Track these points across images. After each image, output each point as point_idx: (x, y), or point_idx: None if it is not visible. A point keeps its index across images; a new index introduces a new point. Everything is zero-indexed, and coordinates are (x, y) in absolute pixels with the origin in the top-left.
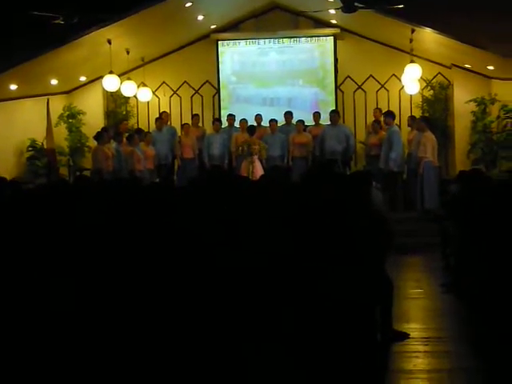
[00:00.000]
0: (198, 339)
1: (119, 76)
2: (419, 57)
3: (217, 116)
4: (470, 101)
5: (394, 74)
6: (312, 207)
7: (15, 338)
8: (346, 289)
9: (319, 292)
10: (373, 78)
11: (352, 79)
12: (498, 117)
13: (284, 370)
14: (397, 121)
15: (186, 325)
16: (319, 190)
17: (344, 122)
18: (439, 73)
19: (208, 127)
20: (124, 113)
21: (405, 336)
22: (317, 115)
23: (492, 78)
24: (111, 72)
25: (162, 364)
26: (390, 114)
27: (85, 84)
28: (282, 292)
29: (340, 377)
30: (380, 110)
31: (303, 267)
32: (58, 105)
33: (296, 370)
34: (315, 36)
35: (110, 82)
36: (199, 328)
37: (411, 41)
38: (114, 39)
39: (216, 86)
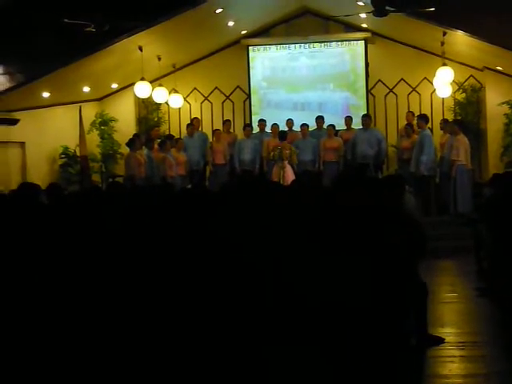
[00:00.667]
0: (217, 343)
1: (151, 83)
2: (451, 60)
3: (248, 121)
4: (503, 103)
5: (425, 78)
6: (344, 212)
7: (20, 338)
8: (379, 293)
9: (353, 296)
10: (404, 81)
11: (383, 83)
12: None
13: (314, 374)
14: (429, 124)
15: (211, 328)
16: (351, 194)
17: (375, 125)
18: (471, 75)
19: (239, 133)
20: (155, 119)
21: (440, 341)
22: (348, 119)
23: None
24: (143, 79)
25: (176, 365)
26: (423, 117)
27: (117, 91)
28: (311, 296)
29: (372, 381)
30: (413, 114)
31: (335, 272)
32: (90, 112)
33: (327, 374)
34: (346, 40)
35: (142, 89)
36: (221, 332)
37: (442, 44)
38: (145, 46)
39: (247, 92)
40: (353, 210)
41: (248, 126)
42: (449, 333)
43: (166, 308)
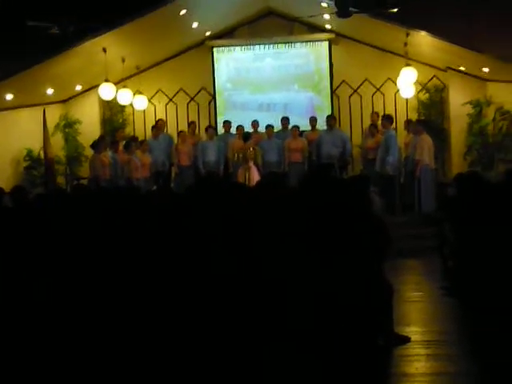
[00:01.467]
0: (201, 342)
1: (115, 84)
2: (414, 60)
3: (213, 123)
4: (466, 103)
5: (389, 78)
6: (310, 212)
7: (17, 341)
8: (346, 292)
9: (319, 296)
10: (368, 81)
11: (347, 83)
12: (494, 119)
13: (285, 373)
14: (393, 124)
15: (182, 328)
16: (316, 194)
17: (340, 126)
18: (434, 76)
19: (204, 134)
20: (120, 121)
21: (406, 340)
22: (313, 120)
23: (487, 80)
24: (107, 80)
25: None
26: (388, 118)
27: (81, 93)
28: (281, 296)
29: (341, 380)
30: (377, 114)
31: (302, 271)
32: (54, 114)
33: (297, 373)
34: (310, 41)
35: (106, 91)
36: (198, 332)
37: (406, 44)
38: (109, 48)
39: (212, 93)
40: (319, 210)
41: (210, 127)
42: (414, 331)
43: (128, 307)
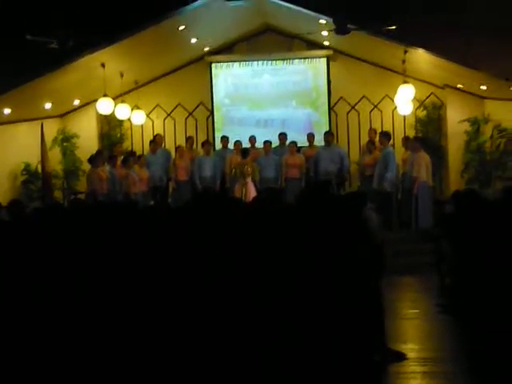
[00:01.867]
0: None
1: (113, 99)
2: (412, 77)
3: (211, 138)
4: (464, 121)
5: (387, 95)
6: (306, 228)
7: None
8: (341, 308)
9: (313, 313)
10: (366, 98)
11: (345, 100)
12: (492, 136)
13: None
14: (390, 141)
15: (177, 341)
16: (313, 210)
17: (338, 142)
18: (432, 93)
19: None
20: (118, 136)
21: (402, 356)
22: (311, 136)
23: (485, 97)
24: (105, 95)
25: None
26: (385, 135)
27: (79, 107)
28: (275, 313)
29: None
30: (375, 131)
31: (297, 288)
32: (52, 128)
33: None
34: (308, 58)
35: (104, 105)
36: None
37: (404, 62)
38: (108, 63)
39: (210, 108)
40: (315, 227)
41: (207, 142)
42: (411, 349)
43: (127, 322)
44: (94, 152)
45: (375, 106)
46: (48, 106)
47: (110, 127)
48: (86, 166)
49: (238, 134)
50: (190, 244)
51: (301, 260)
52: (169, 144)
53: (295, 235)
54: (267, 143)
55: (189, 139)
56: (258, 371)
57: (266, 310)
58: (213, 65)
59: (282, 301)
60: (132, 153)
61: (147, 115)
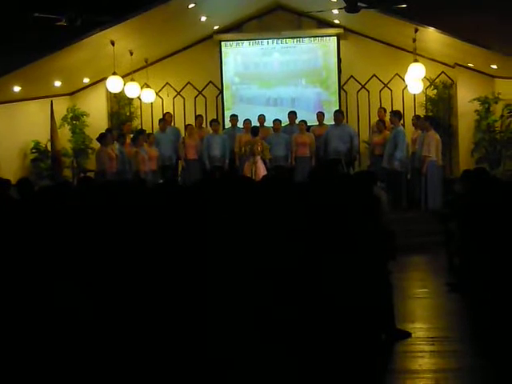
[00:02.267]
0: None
1: (122, 77)
2: (422, 56)
3: (220, 117)
4: (474, 100)
5: (397, 74)
6: (316, 207)
7: (17, 339)
8: (348, 289)
9: (321, 292)
10: (376, 77)
11: (355, 79)
12: (502, 116)
13: (285, 370)
14: (401, 120)
15: (187, 325)
16: (323, 190)
17: (347, 121)
18: (442, 72)
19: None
20: (127, 114)
21: (407, 335)
22: (320, 115)
23: (495, 76)
24: (114, 73)
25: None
26: (396, 114)
27: (88, 86)
28: (284, 292)
29: (343, 376)
30: (384, 110)
31: (306, 268)
32: (61, 106)
33: (298, 370)
34: (318, 36)
35: (114, 84)
36: (200, 329)
37: (414, 40)
38: (117, 41)
39: (219, 87)
40: (324, 206)
41: (215, 121)
42: (419, 328)
43: (133, 304)
44: (104, 130)
45: (385, 85)
46: (58, 84)
47: (119, 106)
48: (96, 145)
49: (248, 113)
50: (198, 223)
51: (308, 239)
52: (178, 123)
53: (304, 214)
54: (277, 122)
55: (198, 118)
56: (262, 351)
57: (274, 288)
58: (222, 43)
59: (291, 280)
60: (142, 131)
61: (157, 93)
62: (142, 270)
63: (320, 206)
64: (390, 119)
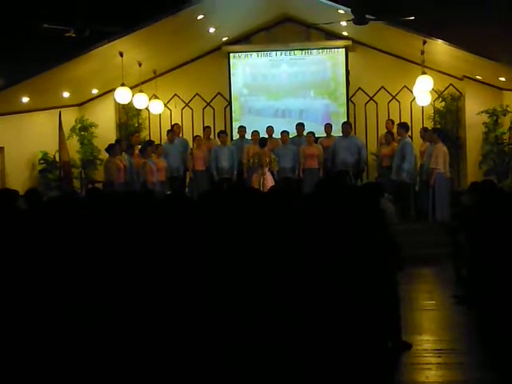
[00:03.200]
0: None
1: (131, 88)
2: (431, 68)
3: (229, 128)
4: (482, 112)
5: (405, 86)
6: (322, 217)
7: (21, 340)
8: (355, 299)
9: (328, 299)
10: (384, 89)
11: (363, 91)
12: (510, 128)
13: (289, 375)
14: (408, 132)
15: (193, 332)
16: (330, 201)
17: (355, 133)
18: (451, 84)
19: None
20: (136, 125)
21: (408, 346)
22: (328, 127)
23: (504, 89)
24: (123, 84)
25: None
26: (403, 126)
27: (97, 96)
28: (290, 298)
29: None
30: (392, 122)
31: (312, 275)
32: (70, 117)
33: (303, 376)
34: (327, 48)
35: (122, 95)
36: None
37: (422, 52)
38: (126, 52)
39: (228, 98)
40: (330, 217)
41: (223, 132)
42: (426, 340)
43: (139, 312)
44: (112, 141)
45: (393, 97)
46: (66, 94)
47: (127, 117)
48: (104, 155)
49: (256, 125)
50: (205, 234)
51: (317, 250)
52: (186, 134)
53: (312, 225)
54: (285, 133)
55: (206, 129)
56: (268, 358)
57: (280, 300)
58: (231, 55)
59: (297, 286)
60: (150, 142)
61: (165, 105)
62: (149, 278)
63: (326, 215)
64: (397, 131)
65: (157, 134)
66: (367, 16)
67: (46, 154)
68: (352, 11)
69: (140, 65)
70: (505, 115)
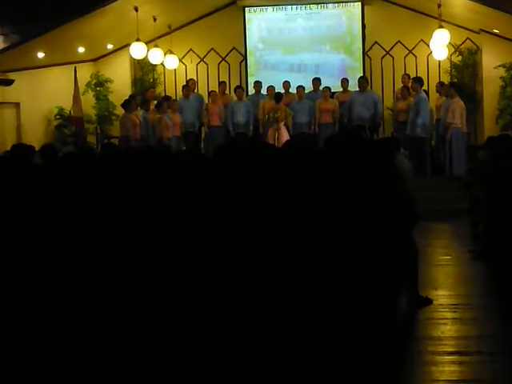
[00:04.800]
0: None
1: (146, 43)
2: (447, 22)
3: (244, 83)
4: (499, 66)
5: (421, 40)
6: (335, 174)
7: (16, 332)
8: (368, 253)
9: (342, 259)
10: (401, 43)
11: (380, 45)
12: None
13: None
14: (425, 87)
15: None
16: (344, 155)
17: (372, 88)
18: (468, 38)
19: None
20: (151, 80)
21: (429, 302)
22: (344, 82)
23: None
24: (138, 39)
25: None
26: (417, 80)
27: (112, 52)
28: (307, 260)
29: (365, 341)
30: (408, 76)
31: (326, 237)
32: (85, 73)
33: (313, 340)
34: (343, 2)
35: (137, 50)
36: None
37: (439, 6)
38: (141, 6)
39: (243, 53)
40: (344, 173)
41: (239, 87)
42: (442, 295)
43: (161, 287)
44: (127, 97)
45: (410, 51)
46: (81, 50)
47: (143, 72)
48: (120, 111)
49: (271, 79)
50: (218, 189)
51: (331, 204)
52: (201, 89)
53: (326, 179)
54: (300, 88)
55: (221, 84)
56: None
57: (294, 257)
58: (246, 9)
59: (310, 247)
60: (167, 97)
61: (180, 60)
62: (158, 234)
63: (342, 170)
64: (411, 86)
65: (172, 89)
66: None
67: (61, 109)
68: None
69: (155, 19)
70: None
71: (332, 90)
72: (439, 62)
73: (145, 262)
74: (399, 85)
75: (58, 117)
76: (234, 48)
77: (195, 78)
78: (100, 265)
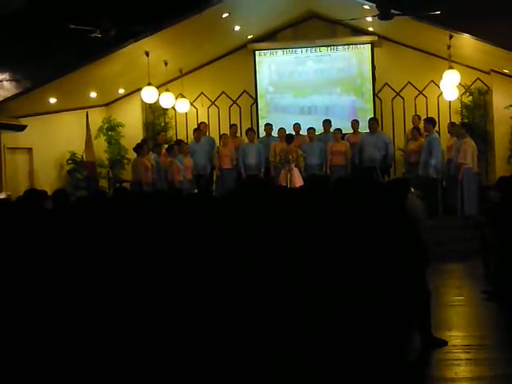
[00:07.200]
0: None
1: (157, 88)
2: (457, 63)
3: (255, 126)
4: (510, 106)
5: (432, 81)
6: (346, 216)
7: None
8: (382, 298)
9: (354, 299)
10: (411, 84)
11: (390, 86)
12: None
13: (312, 374)
14: (436, 127)
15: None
16: (354, 197)
17: (382, 129)
18: (478, 78)
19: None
20: (162, 124)
21: (443, 343)
22: (355, 123)
23: None
24: (149, 84)
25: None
26: (430, 121)
27: (123, 96)
28: (313, 300)
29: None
30: (419, 117)
31: (336, 278)
32: (97, 117)
33: (326, 375)
34: (352, 44)
35: (149, 94)
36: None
37: (449, 47)
38: (152, 51)
39: (254, 96)
40: (355, 214)
41: (251, 130)
42: (455, 336)
43: (167, 313)
44: (139, 141)
45: (420, 92)
46: (93, 95)
47: (154, 116)
48: (131, 155)
49: (282, 122)
50: (232, 233)
51: (343, 246)
52: (213, 132)
53: (338, 222)
54: (311, 130)
55: (232, 127)
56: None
57: (298, 298)
58: (256, 52)
59: (323, 288)
60: (179, 141)
61: (191, 103)
62: (172, 277)
63: (352, 212)
64: (423, 126)
65: (183, 132)
66: (392, 11)
67: (73, 154)
68: (377, 6)
69: (166, 64)
70: None
71: (343, 132)
72: (449, 102)
73: (157, 308)
74: (410, 126)
75: (70, 161)
76: (244, 91)
77: (206, 121)
78: (114, 312)
